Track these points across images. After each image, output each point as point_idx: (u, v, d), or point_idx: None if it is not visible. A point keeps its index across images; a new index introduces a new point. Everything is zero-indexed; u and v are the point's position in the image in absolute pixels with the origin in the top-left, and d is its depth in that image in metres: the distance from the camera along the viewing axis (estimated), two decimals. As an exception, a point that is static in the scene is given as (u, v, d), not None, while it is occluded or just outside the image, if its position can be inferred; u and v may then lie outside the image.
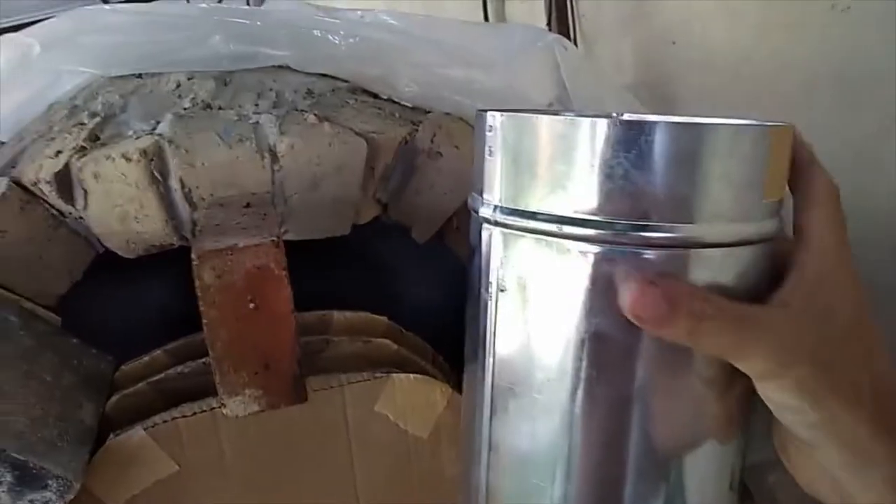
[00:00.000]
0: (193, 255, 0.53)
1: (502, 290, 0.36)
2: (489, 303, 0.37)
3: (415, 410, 0.67)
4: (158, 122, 0.94)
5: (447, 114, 1.06)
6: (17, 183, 0.85)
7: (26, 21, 1.05)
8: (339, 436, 0.65)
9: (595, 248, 0.33)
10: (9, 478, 0.51)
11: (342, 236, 0.99)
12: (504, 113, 0.37)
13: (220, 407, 0.56)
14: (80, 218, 0.89)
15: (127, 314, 0.90)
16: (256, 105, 1.01)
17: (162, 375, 0.69)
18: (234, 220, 0.64)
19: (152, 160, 0.85)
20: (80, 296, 0.92)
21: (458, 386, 0.80)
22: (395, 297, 1.08)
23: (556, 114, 0.38)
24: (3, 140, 1.01)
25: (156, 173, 0.85)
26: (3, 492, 0.51)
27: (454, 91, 1.08)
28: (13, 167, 0.89)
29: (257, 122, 0.96)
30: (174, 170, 0.85)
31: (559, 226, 0.33)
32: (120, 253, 0.90)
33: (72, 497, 0.54)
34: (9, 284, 0.87)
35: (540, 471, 0.38)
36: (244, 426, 0.61)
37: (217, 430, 0.61)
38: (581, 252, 0.33)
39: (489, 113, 0.38)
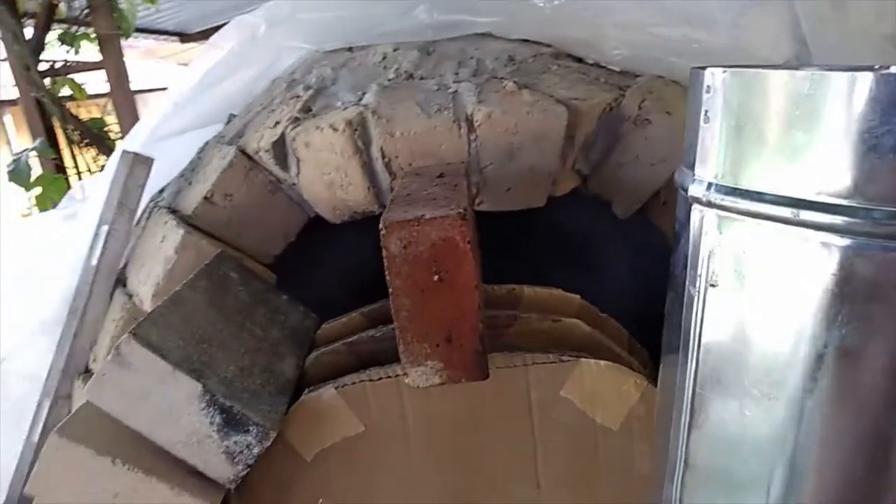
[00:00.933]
0: (381, 225, 0.53)
1: (713, 285, 0.30)
2: (695, 298, 0.31)
3: (604, 399, 0.62)
4: (364, 94, 0.97)
5: (659, 77, 0.97)
6: (243, 151, 0.93)
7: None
8: (522, 416, 0.62)
9: (846, 241, 0.25)
10: (217, 419, 0.56)
11: (537, 208, 0.96)
12: (727, 69, 0.30)
13: (403, 375, 0.56)
14: (294, 184, 0.96)
15: (331, 276, 0.95)
16: (457, 74, 1.00)
17: (356, 338, 0.71)
18: (424, 191, 0.63)
19: (356, 130, 0.88)
20: (291, 257, 0.99)
21: (654, 378, 0.74)
22: (591, 276, 1.03)
23: (794, 70, 0.30)
24: (235, 113, 1.12)
25: (359, 143, 0.88)
26: (214, 430, 0.56)
27: (669, 52, 0.98)
28: (240, 137, 0.98)
29: (456, 91, 0.95)
30: (375, 139, 0.88)
31: (795, 210, 0.26)
32: (327, 218, 0.96)
33: (268, 443, 0.57)
34: (234, 243, 0.96)
35: (745, 497, 0.32)
36: (427, 396, 0.61)
37: (401, 396, 0.62)
38: (824, 244, 0.26)
39: (707, 70, 0.31)
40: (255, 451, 0.57)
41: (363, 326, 0.82)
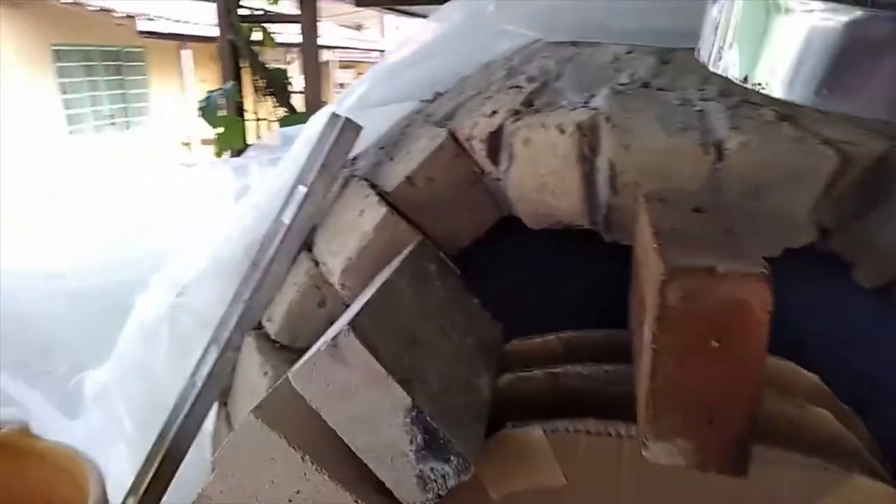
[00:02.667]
0: (663, 269, 0.44)
1: None
2: None
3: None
4: (593, 96, 0.89)
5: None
6: (453, 136, 0.87)
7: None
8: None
9: None
10: (419, 439, 0.50)
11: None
12: None
13: (635, 440, 0.48)
14: (498, 179, 0.89)
15: (522, 285, 0.88)
16: (702, 90, 0.89)
17: (561, 370, 0.63)
18: (691, 228, 0.54)
19: (585, 135, 0.80)
20: (478, 256, 0.93)
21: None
22: (810, 355, 0.88)
23: None
24: (441, 91, 1.07)
25: (586, 150, 0.80)
26: (412, 450, 0.51)
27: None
28: (450, 119, 0.93)
29: (703, 111, 0.84)
30: (606, 149, 0.79)
31: None
32: (526, 222, 0.88)
33: (466, 478, 0.51)
34: (426, 229, 0.91)
35: None
36: (651, 468, 0.52)
37: (620, 459, 0.53)
38: None
39: None
40: (451, 483, 0.51)
41: (559, 353, 0.74)
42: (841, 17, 0.39)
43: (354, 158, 1.05)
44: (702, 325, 0.44)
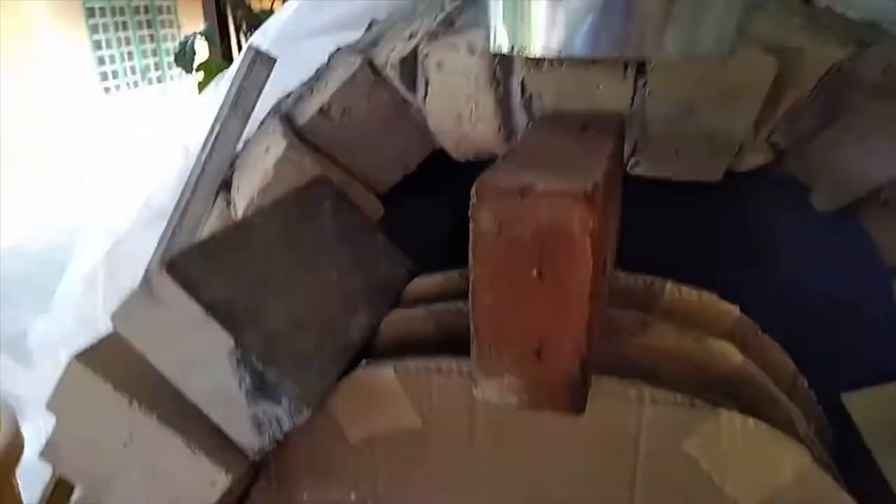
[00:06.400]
0: (473, 190, 0.38)
1: None
2: None
3: (742, 467, 0.45)
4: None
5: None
6: (370, 64, 0.81)
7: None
8: (622, 464, 0.47)
9: None
10: (248, 381, 0.47)
11: (708, 184, 0.76)
12: None
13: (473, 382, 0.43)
14: (421, 109, 0.84)
15: (446, 223, 0.83)
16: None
17: (441, 306, 0.59)
18: (555, 147, 0.48)
19: (497, 55, 0.73)
20: (405, 194, 0.88)
21: (824, 443, 0.55)
22: (760, 282, 0.81)
23: None
24: (378, 18, 1.00)
25: (498, 71, 0.73)
26: (242, 393, 0.47)
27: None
28: (374, 46, 0.86)
29: (632, 22, 0.75)
30: (518, 69, 0.72)
31: None
32: (451, 154, 0.83)
33: (301, 420, 0.47)
34: (347, 165, 0.86)
35: None
36: (505, 409, 0.48)
37: (472, 402, 0.49)
38: None
39: None
40: (286, 426, 0.48)
41: (461, 290, 0.69)
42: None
43: (289, 95, 1.00)
44: (519, 253, 0.39)
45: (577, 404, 0.41)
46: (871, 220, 0.77)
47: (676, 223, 0.83)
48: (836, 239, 0.79)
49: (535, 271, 0.39)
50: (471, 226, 0.39)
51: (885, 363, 0.76)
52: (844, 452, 0.63)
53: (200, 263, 0.48)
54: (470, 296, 0.40)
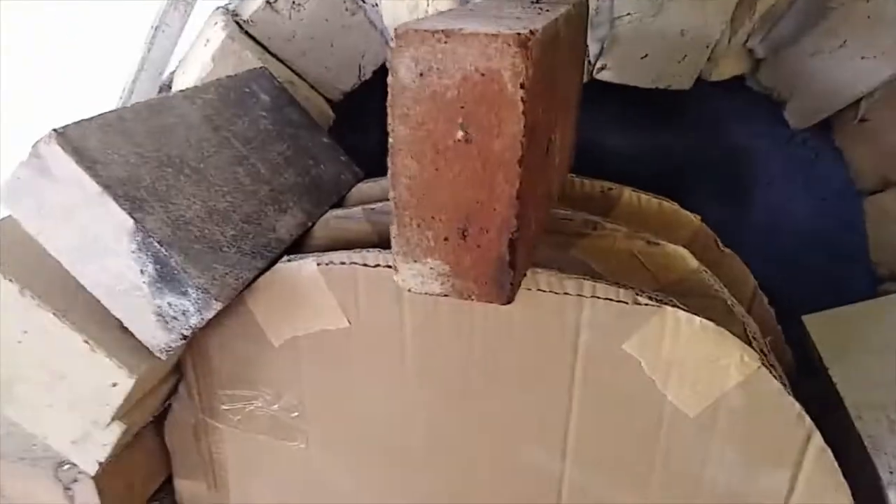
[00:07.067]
0: (391, 32, 0.33)
1: None
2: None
3: (687, 371, 0.42)
4: None
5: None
6: (322, -49, 0.74)
7: None
8: (560, 363, 0.44)
9: None
10: (150, 269, 0.42)
11: (677, 92, 0.71)
12: None
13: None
14: (375, 5, 0.77)
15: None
16: None
17: (379, 205, 0.54)
18: (498, 8, 0.42)
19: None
20: (362, 102, 0.82)
21: (778, 356, 0.51)
22: (729, 202, 0.77)
23: None
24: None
25: (455, -44, 0.66)
26: (144, 282, 0.43)
27: None
28: (330, -65, 0.79)
29: None
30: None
31: None
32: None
33: (210, 315, 0.43)
34: (296, 66, 0.80)
35: None
36: (436, 304, 0.44)
37: (400, 297, 0.44)
38: None
39: None
40: (193, 321, 0.43)
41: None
42: None
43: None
44: (442, 110, 0.34)
45: (504, 292, 0.36)
46: (845, 138, 0.73)
47: (642, 130, 0.78)
48: (807, 160, 0.75)
49: (460, 133, 0.34)
50: (388, 78, 0.34)
51: (852, 286, 0.73)
52: (805, 374, 0.61)
53: (99, 136, 0.43)
54: (388, 164, 0.36)
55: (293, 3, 0.75)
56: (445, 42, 0.33)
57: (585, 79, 0.70)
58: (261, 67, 0.68)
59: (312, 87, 0.79)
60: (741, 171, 0.77)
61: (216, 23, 0.75)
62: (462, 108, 0.33)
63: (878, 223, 0.71)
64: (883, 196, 0.70)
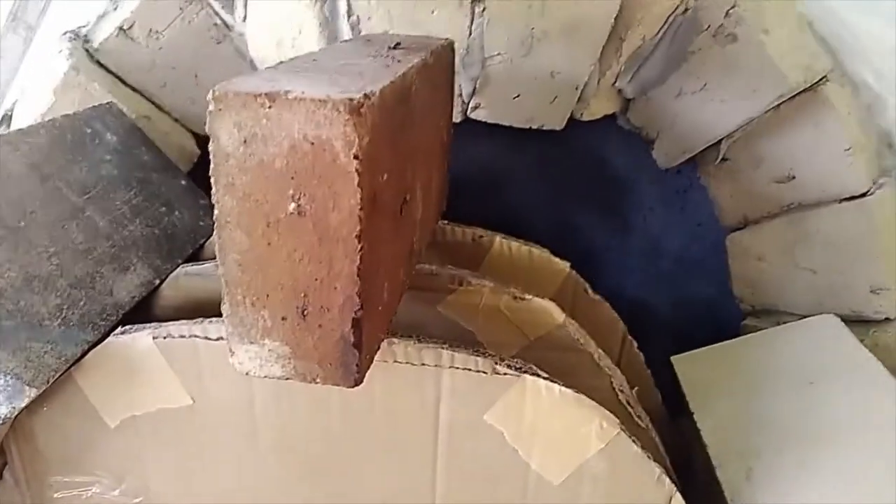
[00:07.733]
0: (209, 95, 0.30)
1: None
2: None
3: (549, 439, 0.40)
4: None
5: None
6: (183, -22, 0.69)
7: None
8: (422, 438, 0.41)
9: None
10: (-54, 353, 0.36)
11: (553, 133, 0.71)
12: None
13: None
14: (243, 34, 0.73)
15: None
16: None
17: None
18: (348, 61, 0.39)
19: (322, -29, 0.63)
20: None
21: (638, 406, 0.51)
22: (600, 241, 0.78)
23: None
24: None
25: (321, -11, 0.64)
26: (-61, 369, 0.37)
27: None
28: (191, -41, 0.74)
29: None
30: (343, -12, 0.63)
31: None
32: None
33: (23, 404, 0.38)
34: (157, 99, 0.74)
35: None
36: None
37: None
38: None
39: None
40: (2, 411, 0.38)
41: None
42: None
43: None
44: (270, 179, 0.30)
45: (351, 374, 0.34)
46: (709, 177, 0.76)
47: (514, 174, 0.78)
48: (680, 193, 0.77)
49: (292, 205, 0.31)
50: (210, 144, 0.31)
51: (726, 307, 0.76)
52: (680, 413, 0.61)
53: None
54: (216, 239, 0.32)
55: (150, 30, 0.69)
56: (270, 107, 0.29)
57: (460, 118, 0.69)
58: (108, 103, 0.62)
59: (176, 120, 0.74)
60: (622, 198, 0.78)
61: (61, 50, 0.68)
62: (293, 178, 0.30)
63: (738, 260, 0.74)
64: (743, 233, 0.73)
